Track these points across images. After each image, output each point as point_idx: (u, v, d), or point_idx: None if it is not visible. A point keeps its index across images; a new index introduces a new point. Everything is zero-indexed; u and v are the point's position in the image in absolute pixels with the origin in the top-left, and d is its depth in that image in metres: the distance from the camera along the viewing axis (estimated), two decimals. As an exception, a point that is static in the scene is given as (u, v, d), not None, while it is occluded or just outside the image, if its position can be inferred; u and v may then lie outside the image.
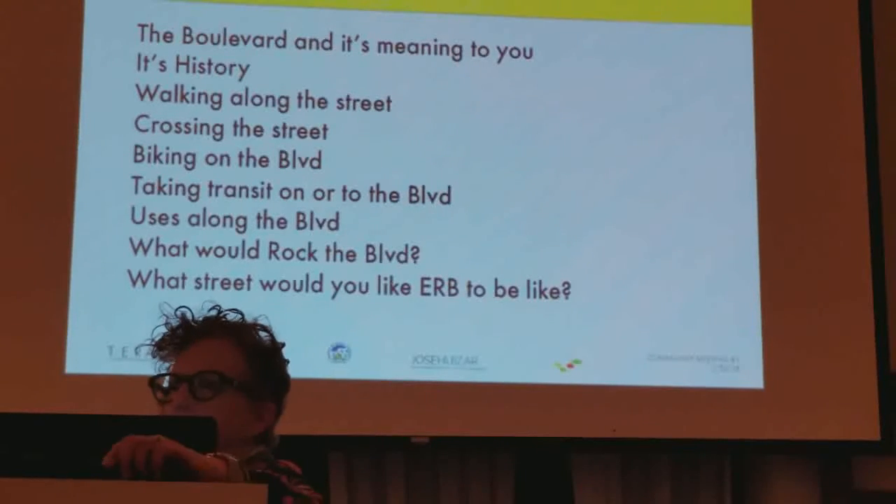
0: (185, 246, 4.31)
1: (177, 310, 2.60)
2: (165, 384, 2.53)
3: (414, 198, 4.43)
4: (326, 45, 4.49)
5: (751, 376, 4.43)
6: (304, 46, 4.48)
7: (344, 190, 4.41)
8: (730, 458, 4.65)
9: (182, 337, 2.58)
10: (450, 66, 4.53)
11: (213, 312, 2.63)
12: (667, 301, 4.46)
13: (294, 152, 4.41)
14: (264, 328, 2.66)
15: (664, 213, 4.51)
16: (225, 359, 2.54)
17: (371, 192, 4.42)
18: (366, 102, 4.47)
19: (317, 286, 4.34)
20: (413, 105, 4.50)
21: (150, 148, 4.36)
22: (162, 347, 2.58)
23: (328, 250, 4.36)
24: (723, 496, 4.64)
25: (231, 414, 2.46)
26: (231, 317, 2.64)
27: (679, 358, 4.43)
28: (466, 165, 4.48)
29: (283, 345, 2.69)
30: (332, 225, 4.38)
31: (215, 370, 2.51)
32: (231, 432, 2.42)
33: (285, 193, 4.38)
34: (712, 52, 4.62)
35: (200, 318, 2.61)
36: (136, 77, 4.40)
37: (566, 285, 4.43)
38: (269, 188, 4.38)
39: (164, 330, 2.59)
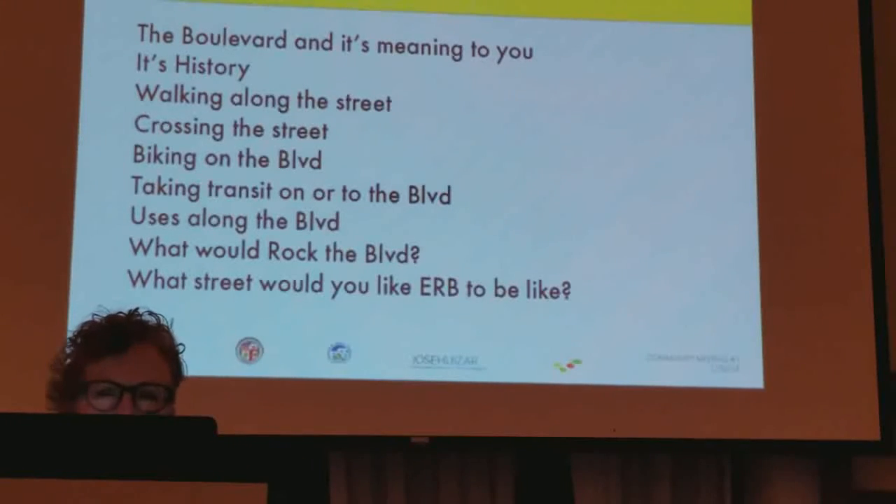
0: (185, 246, 4.31)
1: (108, 314, 2.60)
2: (104, 388, 2.51)
3: (414, 198, 4.43)
4: (326, 45, 4.49)
5: (751, 376, 4.43)
6: (304, 46, 4.48)
7: (344, 190, 4.41)
8: (730, 458, 4.66)
9: (116, 339, 2.56)
10: (450, 66, 4.53)
11: (130, 312, 2.63)
12: (667, 301, 4.46)
13: (294, 152, 4.41)
14: (169, 328, 2.67)
15: (664, 212, 4.51)
16: (159, 367, 2.56)
17: (371, 192, 4.42)
18: (366, 102, 4.47)
19: (317, 286, 4.34)
20: (413, 105, 4.50)
21: (150, 148, 4.36)
22: (90, 348, 2.56)
23: (328, 250, 4.36)
24: (723, 496, 4.65)
25: None
26: (147, 318, 2.64)
27: (679, 358, 4.43)
28: (466, 165, 4.47)
29: (183, 346, 2.69)
30: (332, 225, 4.38)
31: (159, 382, 2.53)
32: None
33: (285, 193, 4.38)
34: (712, 51, 4.62)
35: (126, 319, 2.60)
36: (136, 77, 4.40)
37: (566, 285, 4.43)
38: (269, 188, 4.38)
39: (87, 329, 2.59)
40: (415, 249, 4.40)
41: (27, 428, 1.93)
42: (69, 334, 2.63)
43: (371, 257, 4.38)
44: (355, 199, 4.40)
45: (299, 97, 4.45)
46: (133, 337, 2.57)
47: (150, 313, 2.64)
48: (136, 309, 2.64)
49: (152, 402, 2.51)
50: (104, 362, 2.54)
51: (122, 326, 2.58)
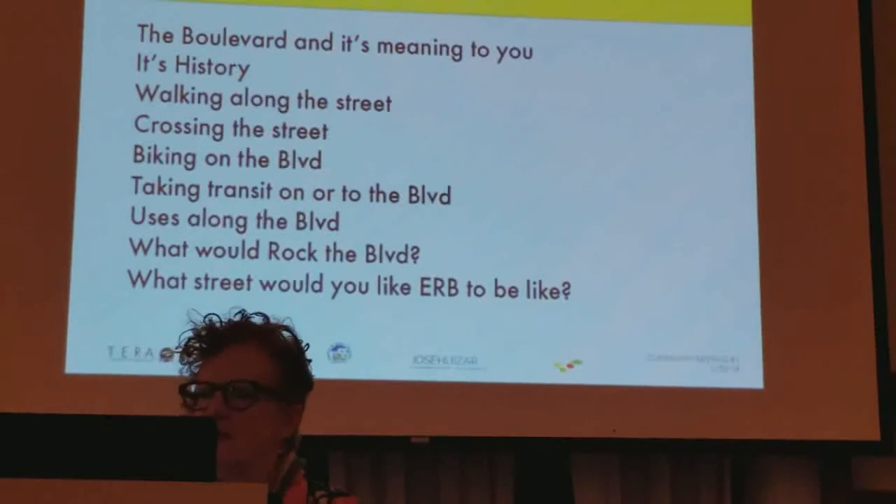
0: (184, 246, 4.32)
1: (205, 316, 2.59)
2: (196, 389, 2.52)
3: (414, 198, 4.43)
4: (326, 45, 4.50)
5: (750, 376, 4.44)
6: (303, 46, 4.49)
7: (344, 190, 4.41)
8: (729, 459, 4.65)
9: (209, 343, 2.57)
10: (450, 66, 4.53)
11: (238, 317, 2.61)
12: (666, 301, 4.47)
13: (294, 152, 4.42)
14: (288, 329, 2.65)
15: (664, 213, 4.51)
16: (256, 365, 2.53)
17: (371, 192, 4.42)
18: (366, 102, 4.47)
19: (317, 286, 4.35)
20: (413, 105, 4.51)
21: (149, 148, 4.37)
22: (189, 353, 2.57)
23: (328, 250, 4.37)
24: (722, 496, 4.64)
25: (266, 421, 2.49)
26: (256, 320, 2.63)
27: (679, 358, 4.44)
28: (466, 165, 4.48)
29: (308, 345, 2.68)
30: (332, 225, 4.39)
31: (248, 379, 2.50)
32: (265, 439, 2.48)
33: (285, 193, 4.38)
34: (712, 52, 4.63)
35: (227, 323, 2.60)
36: (136, 77, 4.41)
37: (566, 285, 4.43)
38: (268, 188, 4.38)
39: (189, 335, 2.58)
40: (415, 249, 4.41)
41: (29, 428, 1.94)
42: (178, 346, 2.61)
43: (371, 257, 4.38)
44: (355, 200, 4.41)
45: (299, 97, 4.45)
46: (227, 339, 2.56)
47: (260, 314, 2.63)
48: (242, 311, 2.62)
49: (243, 398, 2.48)
50: (206, 365, 2.56)
51: (216, 330, 2.58)
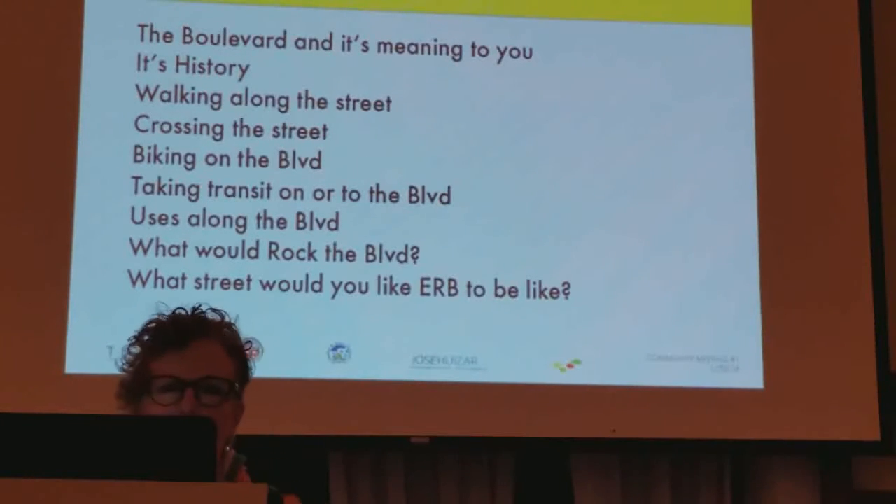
0: (184, 246, 4.32)
1: (175, 309, 2.60)
2: (166, 384, 2.51)
3: (414, 198, 4.44)
4: (326, 45, 4.50)
5: (750, 376, 4.44)
6: (303, 46, 4.49)
7: (344, 190, 4.42)
8: (729, 459, 4.66)
9: (177, 335, 2.56)
10: (449, 66, 4.54)
11: (196, 310, 2.62)
12: (666, 301, 4.48)
13: (294, 152, 4.42)
14: (234, 325, 2.66)
15: (664, 213, 4.52)
16: (220, 363, 2.55)
17: (371, 192, 4.43)
18: (365, 102, 4.48)
19: (316, 286, 4.35)
20: (413, 105, 4.51)
21: (149, 148, 4.37)
22: (153, 344, 2.55)
23: (328, 250, 4.37)
24: (722, 496, 4.64)
25: (230, 419, 2.52)
26: (212, 316, 2.63)
27: (679, 358, 4.44)
28: (466, 165, 4.48)
29: (249, 342, 2.69)
30: (332, 225, 4.39)
31: (220, 376, 2.52)
32: (227, 437, 2.48)
33: (285, 194, 4.39)
34: (712, 52, 4.64)
35: (190, 318, 2.60)
36: (136, 77, 4.41)
37: (566, 285, 4.44)
38: (268, 188, 4.39)
39: (152, 327, 2.58)
40: (414, 250, 4.41)
41: (30, 428, 1.94)
42: (134, 333, 2.61)
43: (371, 257, 4.38)
44: (355, 200, 4.41)
45: (299, 97, 4.46)
46: (195, 332, 2.56)
47: (214, 310, 2.64)
48: (199, 306, 2.63)
49: (215, 395, 2.50)
50: (166, 358, 2.54)
51: (183, 323, 2.58)
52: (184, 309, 2.62)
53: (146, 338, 2.58)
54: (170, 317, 2.59)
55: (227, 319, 2.65)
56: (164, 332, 2.56)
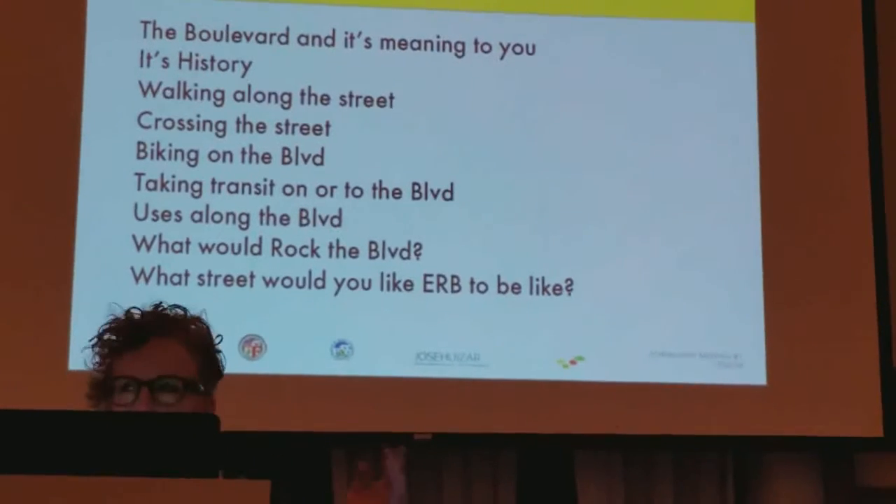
0: (187, 243, 4.32)
1: (128, 309, 2.59)
2: (123, 384, 2.51)
3: (416, 194, 4.44)
4: (329, 41, 4.50)
5: (754, 373, 4.44)
6: (306, 43, 4.49)
7: (346, 187, 4.42)
8: (732, 455, 4.66)
9: (132, 335, 2.55)
10: (452, 63, 4.53)
11: (154, 308, 2.61)
12: (670, 298, 4.47)
13: (297, 149, 4.42)
14: (201, 320, 2.65)
15: (667, 209, 4.52)
16: (181, 360, 2.54)
17: (374, 188, 4.43)
18: (368, 99, 4.47)
19: (319, 283, 4.35)
20: (415, 102, 4.51)
21: (152, 145, 4.37)
22: (110, 347, 2.56)
23: (331, 247, 4.37)
24: (725, 492, 4.65)
25: None
26: (168, 310, 2.63)
27: (682, 355, 4.44)
28: (469, 162, 4.48)
29: (221, 337, 2.68)
30: (335, 222, 4.39)
31: (177, 375, 2.51)
32: None
33: (288, 190, 4.39)
34: (715, 48, 4.64)
35: (148, 316, 2.59)
36: (139, 74, 4.41)
37: (569, 282, 4.44)
38: (271, 185, 4.39)
39: (107, 328, 2.58)
40: (417, 246, 4.41)
41: (33, 425, 1.94)
42: (96, 333, 2.60)
43: (374, 254, 4.38)
44: (358, 196, 4.41)
45: (302, 94, 4.46)
46: (152, 331, 2.55)
47: (178, 307, 2.63)
48: (160, 303, 2.63)
49: (171, 394, 2.49)
50: (125, 358, 2.54)
51: (139, 321, 2.57)
52: (138, 308, 2.61)
53: (106, 337, 2.57)
54: (128, 316, 2.58)
55: (191, 315, 2.64)
56: (122, 331, 2.56)
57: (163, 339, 2.55)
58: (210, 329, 2.65)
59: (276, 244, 4.35)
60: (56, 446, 1.89)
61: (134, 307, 2.60)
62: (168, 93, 4.41)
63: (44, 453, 1.88)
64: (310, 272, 4.35)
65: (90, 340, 2.60)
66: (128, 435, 1.93)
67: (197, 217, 4.34)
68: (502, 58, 4.55)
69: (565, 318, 4.42)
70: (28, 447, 1.89)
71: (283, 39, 4.49)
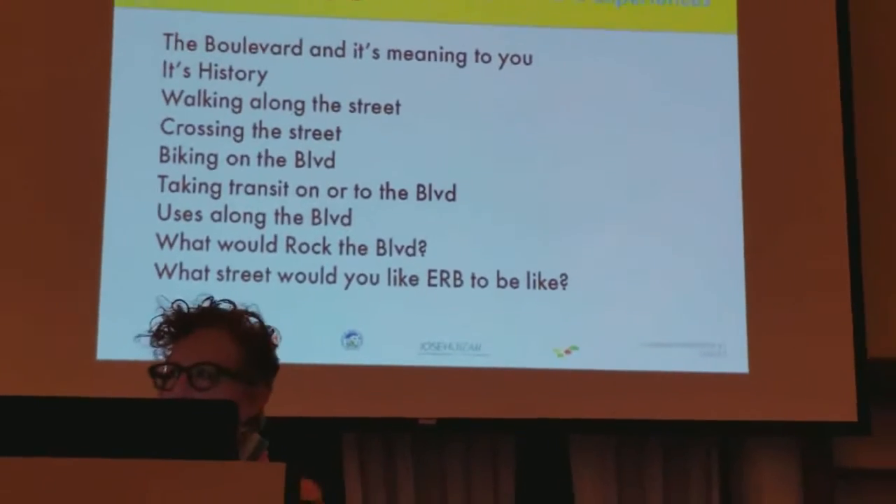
0: (207, 241, 4.33)
1: (174, 302, 2.60)
2: (166, 370, 2.53)
3: (421, 195, 4.43)
4: (339, 52, 4.50)
5: (736, 361, 4.44)
6: (318, 54, 4.49)
7: (356, 188, 4.42)
8: (717, 439, 4.66)
9: (179, 326, 2.57)
10: (454, 72, 4.53)
11: (207, 303, 2.63)
12: (658, 291, 4.47)
13: (309, 153, 4.42)
14: (255, 315, 2.65)
15: (656, 210, 4.52)
16: (220, 349, 2.54)
17: (381, 189, 4.42)
18: (376, 106, 4.47)
19: (331, 278, 4.35)
20: (420, 108, 4.51)
21: (175, 149, 4.37)
22: (160, 336, 2.58)
23: (341, 244, 4.37)
24: (710, 474, 4.65)
25: None
26: (224, 306, 2.64)
27: (670, 344, 4.44)
28: (470, 165, 4.48)
29: (273, 330, 2.68)
30: (345, 221, 4.39)
31: (212, 362, 2.51)
32: None
33: (301, 191, 4.39)
34: (700, 57, 4.63)
35: (196, 309, 2.60)
36: (162, 83, 4.41)
37: (564, 277, 4.43)
38: (286, 186, 4.38)
39: (160, 320, 2.59)
40: (422, 243, 4.41)
41: (64, 411, 1.94)
42: (151, 326, 2.61)
43: (381, 251, 4.38)
44: (367, 197, 4.41)
45: (314, 101, 4.46)
46: (197, 322, 2.57)
47: (228, 301, 2.64)
48: (210, 297, 2.64)
49: (206, 380, 2.50)
50: (175, 346, 2.57)
51: (187, 314, 2.59)
52: (184, 301, 2.61)
53: (163, 328, 2.59)
54: (177, 309, 2.60)
55: (241, 309, 2.64)
56: (172, 323, 2.58)
57: (207, 330, 2.56)
58: (262, 323, 2.65)
59: (290, 242, 4.35)
60: (87, 431, 1.89)
61: (181, 300, 2.61)
62: (189, 100, 4.41)
63: (76, 438, 1.87)
64: (322, 268, 4.35)
65: (146, 331, 2.61)
66: (152, 420, 1.93)
67: (216, 217, 4.34)
68: (501, 67, 4.54)
69: (560, 310, 4.42)
70: (62, 432, 1.89)
71: (296, 50, 4.48)
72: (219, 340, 2.55)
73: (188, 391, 2.48)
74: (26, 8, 4.41)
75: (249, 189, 4.37)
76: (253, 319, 2.64)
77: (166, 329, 2.58)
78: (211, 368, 2.50)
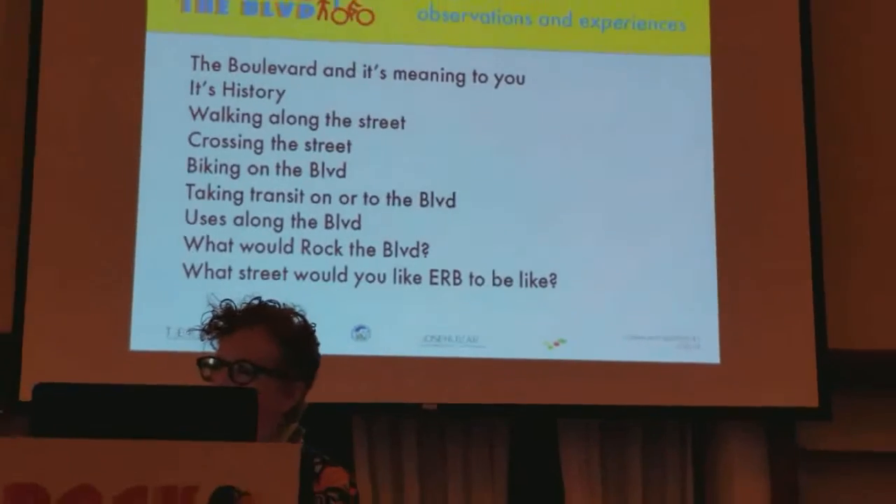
0: (230, 243, 4.33)
1: (222, 301, 2.61)
2: (212, 362, 2.54)
3: (424, 202, 4.44)
4: (350, 73, 4.50)
5: (709, 353, 4.44)
6: (331, 74, 4.49)
7: (365, 195, 4.42)
8: (691, 423, 4.65)
9: (226, 323, 2.58)
10: (454, 91, 4.53)
11: (255, 302, 2.62)
12: (639, 290, 4.47)
13: (323, 164, 4.42)
14: (299, 315, 2.64)
15: (637, 216, 4.51)
16: (260, 348, 2.54)
17: (388, 197, 4.43)
18: (383, 121, 4.47)
19: (342, 277, 4.35)
20: (424, 124, 4.50)
21: (201, 160, 4.38)
22: (209, 332, 2.59)
23: (351, 247, 4.37)
24: (685, 455, 4.65)
25: (263, 395, 2.44)
26: (270, 306, 2.63)
27: (649, 338, 4.44)
28: (469, 175, 4.48)
29: (315, 325, 2.67)
30: (355, 225, 4.39)
31: (250, 360, 2.51)
32: (263, 410, 2.43)
33: (315, 198, 4.39)
34: (677, 76, 4.63)
35: (242, 308, 2.60)
36: (190, 100, 4.41)
37: (553, 276, 4.44)
38: (301, 194, 4.39)
39: (210, 317, 2.60)
40: (425, 246, 4.41)
41: (101, 396, 1.97)
42: (201, 323, 2.61)
43: (388, 252, 4.39)
44: (374, 204, 4.41)
45: (327, 117, 4.45)
46: (240, 322, 2.57)
47: (273, 301, 2.64)
48: (258, 298, 2.64)
49: (245, 375, 2.50)
50: (220, 342, 2.58)
51: (232, 313, 2.59)
52: (231, 301, 2.62)
53: (212, 324, 2.60)
54: (226, 308, 2.60)
55: (285, 309, 2.64)
56: (219, 320, 2.59)
57: (250, 329, 2.56)
58: (305, 322, 2.65)
59: (305, 244, 4.36)
60: (121, 414, 1.93)
61: (230, 300, 2.61)
62: (214, 116, 4.41)
63: (112, 420, 1.91)
64: (334, 268, 4.36)
65: (197, 325, 2.61)
66: (180, 405, 1.96)
67: (238, 221, 4.35)
68: (496, 87, 4.54)
69: (550, 306, 4.41)
70: (99, 415, 1.92)
71: (311, 71, 4.48)
72: (259, 340, 2.55)
73: (228, 384, 2.49)
74: (72, 32, 4.40)
75: (268, 196, 4.37)
76: (297, 319, 2.63)
77: (215, 325, 2.58)
78: (249, 366, 2.50)
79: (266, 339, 2.56)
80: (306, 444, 2.55)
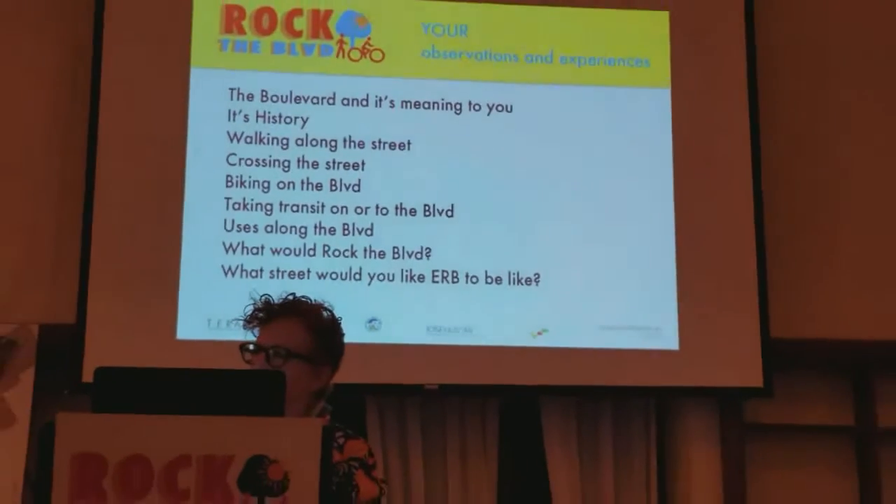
0: (262, 248, 4.32)
1: (262, 296, 2.61)
2: (252, 348, 2.55)
3: (427, 213, 4.43)
4: (364, 103, 4.49)
5: (670, 341, 4.42)
6: (347, 104, 4.48)
7: (377, 207, 4.41)
8: (654, 400, 4.64)
9: (265, 314, 2.58)
10: (453, 118, 4.52)
11: (290, 298, 2.63)
12: (611, 288, 4.45)
13: (341, 180, 4.41)
14: (327, 309, 2.64)
15: (609, 226, 4.50)
16: (293, 336, 2.54)
17: (396, 208, 4.42)
18: (392, 144, 4.47)
19: (357, 276, 4.35)
20: (427, 146, 4.49)
21: (237, 177, 4.37)
22: (250, 321, 2.59)
23: (365, 251, 4.36)
24: (649, 428, 4.62)
25: (295, 377, 2.46)
26: (303, 301, 2.63)
27: (619, 328, 4.42)
28: (465, 190, 4.47)
29: (341, 318, 2.67)
30: (368, 232, 4.38)
31: (285, 346, 2.52)
32: (295, 389, 2.45)
33: (334, 209, 4.38)
34: (642, 106, 4.60)
35: (279, 302, 2.61)
36: (227, 126, 4.41)
37: (537, 275, 4.43)
38: (322, 206, 4.38)
39: (251, 309, 2.60)
40: (428, 250, 4.40)
41: (151, 378, 1.97)
42: (244, 314, 2.60)
43: (396, 256, 4.38)
44: (385, 214, 4.41)
45: (344, 141, 4.45)
46: (277, 313, 2.57)
47: (306, 297, 2.63)
48: (293, 293, 2.63)
49: (279, 359, 2.50)
50: (260, 330, 2.58)
51: (271, 306, 2.59)
52: (269, 296, 2.62)
53: (253, 315, 2.60)
54: (264, 301, 2.60)
55: (316, 303, 2.63)
56: (259, 311, 2.59)
57: (285, 320, 2.56)
58: (333, 316, 2.64)
59: (326, 248, 4.35)
60: (169, 394, 1.92)
61: (268, 295, 2.61)
62: (248, 140, 4.40)
63: (161, 399, 1.91)
64: (350, 269, 4.35)
65: (239, 316, 2.61)
66: (220, 385, 1.95)
67: (269, 229, 4.34)
68: (489, 114, 4.54)
69: (534, 301, 4.40)
70: (150, 395, 1.92)
71: (330, 101, 4.48)
72: (293, 329, 2.55)
73: (265, 367, 2.49)
74: (127, 68, 4.40)
75: (294, 208, 4.37)
76: (326, 313, 2.63)
77: (255, 315, 2.58)
78: (283, 351, 2.51)
79: (300, 328, 2.56)
80: (332, 420, 2.55)
